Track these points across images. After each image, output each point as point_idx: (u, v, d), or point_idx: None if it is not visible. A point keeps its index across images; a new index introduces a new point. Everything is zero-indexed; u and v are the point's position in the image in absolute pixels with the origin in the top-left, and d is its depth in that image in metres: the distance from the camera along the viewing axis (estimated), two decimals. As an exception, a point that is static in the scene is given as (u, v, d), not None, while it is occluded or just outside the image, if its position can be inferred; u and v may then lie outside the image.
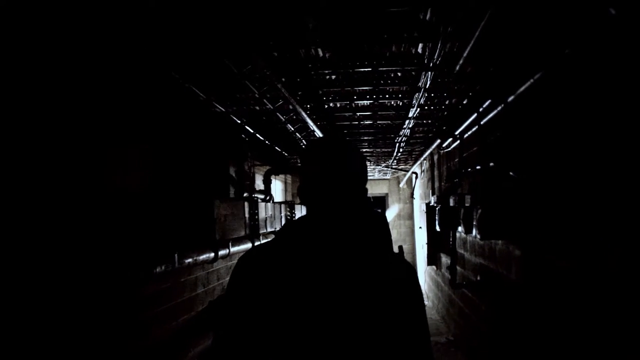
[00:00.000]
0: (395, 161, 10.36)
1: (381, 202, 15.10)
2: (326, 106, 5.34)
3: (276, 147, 7.20)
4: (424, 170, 10.26)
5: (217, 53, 3.45)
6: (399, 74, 4.36)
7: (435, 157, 8.14)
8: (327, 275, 1.19)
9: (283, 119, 5.64)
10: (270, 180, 7.54)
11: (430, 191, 8.79)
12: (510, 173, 3.71)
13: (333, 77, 4.42)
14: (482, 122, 4.43)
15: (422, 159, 9.02)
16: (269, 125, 6.14)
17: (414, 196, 12.43)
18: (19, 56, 2.76)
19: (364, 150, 9.06)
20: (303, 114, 4.85)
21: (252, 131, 5.92)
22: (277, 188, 9.86)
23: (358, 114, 5.86)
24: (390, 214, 14.93)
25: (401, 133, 6.87)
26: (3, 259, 2.65)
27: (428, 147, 7.62)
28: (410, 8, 2.93)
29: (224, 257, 5.18)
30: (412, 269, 1.31)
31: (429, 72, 3.86)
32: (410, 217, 14.59)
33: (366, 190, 1.38)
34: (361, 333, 1.16)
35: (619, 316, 2.28)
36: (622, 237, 2.24)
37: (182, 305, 5.15)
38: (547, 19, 2.76)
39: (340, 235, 1.24)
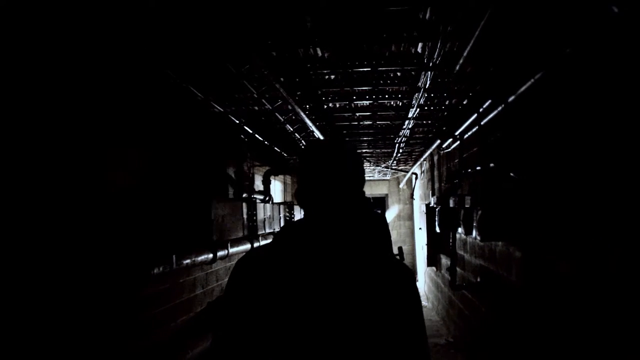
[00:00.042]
0: (395, 162, 10.33)
1: (381, 203, 15.08)
2: (325, 106, 5.31)
3: (275, 148, 7.18)
4: (423, 171, 10.23)
5: (215, 52, 3.42)
6: (399, 73, 4.34)
7: (435, 158, 8.12)
8: (325, 278, 1.20)
9: (282, 119, 5.61)
10: (270, 180, 7.51)
11: (430, 192, 8.77)
12: (511, 174, 3.68)
13: (332, 77, 4.39)
14: (482, 123, 4.40)
15: (422, 159, 8.99)
16: (268, 126, 6.12)
17: (414, 197, 12.41)
18: (19, 56, 2.74)
19: (364, 150, 9.04)
20: (302, 114, 4.82)
21: (251, 131, 5.90)
22: (277, 189, 9.84)
23: (357, 114, 5.83)
24: (390, 214, 14.90)
25: (401, 133, 6.85)
26: (4, 259, 2.63)
27: (428, 148, 7.59)
28: (409, 7, 2.90)
29: (222, 258, 5.15)
30: (408, 271, 1.31)
31: (429, 72, 3.83)
32: (410, 218, 14.56)
33: (364, 192, 1.38)
34: (358, 335, 1.16)
35: (619, 316, 2.25)
36: (621, 237, 2.22)
37: (180, 306, 5.13)
38: (547, 18, 2.73)
39: (338, 238, 1.25)
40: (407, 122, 5.92)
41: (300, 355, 1.16)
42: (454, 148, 6.12)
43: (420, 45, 3.56)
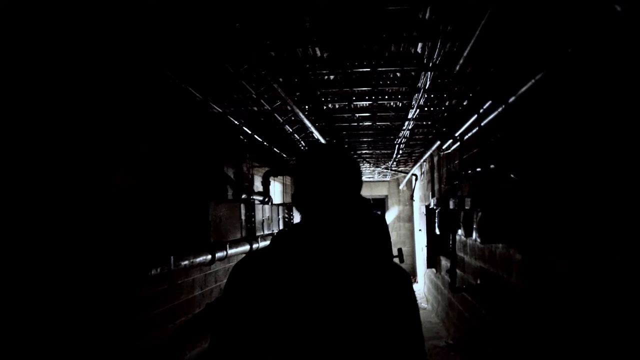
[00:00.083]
0: (394, 163, 10.31)
1: (381, 204, 15.05)
2: (325, 107, 5.29)
3: (275, 149, 7.15)
4: (423, 172, 10.20)
5: (213, 52, 3.39)
6: (398, 74, 4.31)
7: (435, 159, 8.09)
8: (322, 281, 1.21)
9: (281, 120, 5.58)
10: (269, 182, 7.48)
11: (430, 193, 8.74)
12: (511, 175, 3.65)
13: (331, 77, 4.36)
14: (482, 124, 4.38)
15: (421, 160, 8.97)
16: (268, 126, 6.09)
17: (414, 198, 12.38)
18: (20, 57, 2.72)
19: (364, 152, 9.01)
20: (301, 115, 4.79)
21: (250, 132, 5.87)
22: (276, 190, 9.81)
23: (357, 115, 5.81)
24: (390, 216, 14.87)
25: (401, 134, 6.82)
26: (5, 260, 2.62)
27: (428, 149, 7.57)
28: (409, 7, 2.88)
29: (221, 259, 5.13)
30: (405, 274, 1.32)
31: (429, 73, 3.80)
32: (410, 219, 14.52)
33: (361, 196, 1.38)
34: (354, 337, 1.18)
35: (620, 316, 2.23)
36: (622, 237, 2.20)
37: (179, 307, 5.11)
38: (548, 18, 2.70)
39: (335, 242, 1.26)
40: (407, 123, 5.89)
41: (298, 356, 1.17)
42: (454, 149, 6.10)
43: (420, 45, 3.53)
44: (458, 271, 5.86)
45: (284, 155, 7.91)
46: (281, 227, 7.52)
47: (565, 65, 2.68)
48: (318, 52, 3.69)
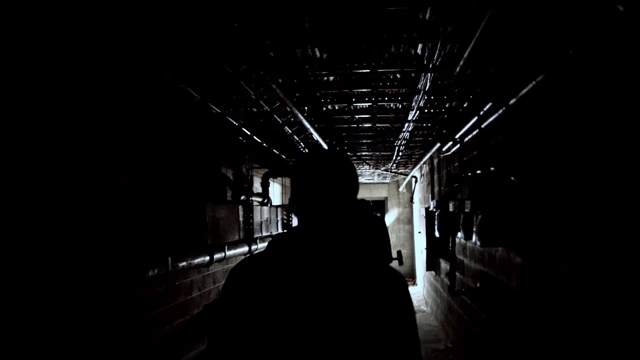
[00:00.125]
0: (394, 165, 10.28)
1: (380, 206, 15.02)
2: (324, 108, 5.26)
3: (274, 150, 7.12)
4: (423, 174, 10.18)
5: (212, 52, 3.37)
6: (398, 75, 4.29)
7: (435, 161, 8.07)
8: (318, 284, 1.22)
9: (280, 121, 5.55)
10: (269, 183, 7.46)
11: (430, 195, 8.72)
12: (512, 178, 3.63)
13: (331, 78, 4.34)
14: (482, 126, 4.36)
15: (421, 162, 8.94)
16: (267, 128, 6.07)
17: (414, 200, 12.35)
18: (21, 58, 2.71)
19: (363, 153, 8.99)
20: (300, 116, 4.77)
21: (249, 133, 5.84)
22: (275, 191, 9.79)
23: (357, 116, 5.79)
24: (390, 218, 14.84)
25: (400, 136, 6.80)
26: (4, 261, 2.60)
27: (428, 151, 7.54)
28: (409, 7, 2.86)
29: (219, 260, 5.11)
30: (401, 278, 1.33)
31: (429, 74, 3.78)
32: (410, 221, 14.50)
33: (356, 200, 1.41)
34: (349, 339, 1.19)
35: (621, 318, 2.20)
36: (622, 238, 2.17)
37: (176, 308, 5.08)
38: (550, 19, 2.68)
39: (331, 245, 1.28)
40: (406, 124, 5.87)
41: (294, 358, 1.19)
42: (454, 151, 6.07)
43: (420, 46, 3.51)
44: (457, 274, 5.83)
45: (284, 157, 7.88)
46: (280, 228, 7.50)
47: (566, 67, 2.66)
48: (317, 53, 3.66)
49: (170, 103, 4.50)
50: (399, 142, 7.27)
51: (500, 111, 3.79)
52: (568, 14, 2.50)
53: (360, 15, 3.03)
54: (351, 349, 1.18)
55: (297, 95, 4.51)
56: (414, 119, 5.39)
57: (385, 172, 11.86)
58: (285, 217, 7.77)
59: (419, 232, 11.21)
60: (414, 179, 11.48)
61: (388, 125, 6.29)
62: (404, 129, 6.22)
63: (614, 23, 1.96)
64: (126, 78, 3.85)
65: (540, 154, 3.22)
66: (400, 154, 8.44)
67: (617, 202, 2.25)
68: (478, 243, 3.94)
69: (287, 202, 10.23)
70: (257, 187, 7.77)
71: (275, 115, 5.27)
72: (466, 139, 5.24)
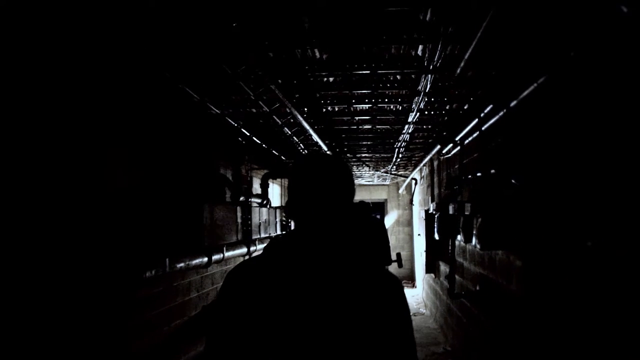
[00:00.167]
0: (394, 167, 10.25)
1: (380, 208, 14.99)
2: (324, 110, 5.24)
3: (273, 151, 7.09)
4: (423, 177, 10.15)
5: (211, 52, 3.35)
6: (398, 77, 4.27)
7: (435, 163, 8.04)
8: (314, 287, 1.24)
9: (280, 122, 5.53)
10: (268, 184, 7.43)
11: (430, 198, 8.69)
12: (512, 180, 3.60)
13: (331, 79, 4.32)
14: (483, 128, 4.33)
15: (421, 164, 8.91)
16: (266, 129, 6.04)
17: (413, 202, 12.32)
18: (22, 58, 2.70)
19: (363, 155, 8.96)
20: (299, 117, 4.74)
21: (248, 134, 5.82)
22: (275, 192, 9.76)
23: (357, 118, 5.76)
24: (389, 220, 14.81)
25: (400, 138, 6.77)
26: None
27: (428, 153, 7.51)
28: (409, 8, 2.84)
29: (218, 261, 5.08)
30: (396, 281, 1.34)
31: (429, 75, 3.75)
32: (409, 223, 14.46)
33: (353, 204, 1.42)
34: (344, 342, 1.20)
35: (622, 322, 2.17)
36: (624, 240, 2.15)
37: (175, 309, 5.05)
38: (551, 20, 2.65)
39: (325, 250, 1.29)
40: (407, 126, 5.84)
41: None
42: (454, 154, 6.05)
43: (420, 47, 3.49)
44: (457, 277, 5.79)
45: (283, 158, 7.85)
46: (278, 230, 7.47)
47: (568, 69, 2.63)
48: (317, 54, 3.64)
49: (170, 104, 4.47)
50: (399, 144, 7.25)
51: (501, 113, 3.76)
52: (570, 15, 2.47)
53: (360, 15, 3.00)
54: (346, 352, 1.19)
55: (296, 96, 4.48)
56: (414, 120, 5.37)
57: (385, 174, 11.83)
58: (284, 218, 7.73)
59: (419, 235, 11.18)
60: (413, 181, 11.45)
61: (388, 127, 6.26)
62: (404, 131, 6.19)
63: (617, 24, 1.93)
64: (126, 79, 3.83)
65: (542, 157, 3.19)
66: (400, 155, 8.41)
67: (618, 205, 2.22)
68: (478, 246, 3.91)
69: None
70: (256, 188, 7.74)
71: (274, 116, 5.25)
72: (466, 141, 5.21)
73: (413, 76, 4.11)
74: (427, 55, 3.45)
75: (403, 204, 14.64)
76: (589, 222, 2.52)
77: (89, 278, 3.38)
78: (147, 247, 4.00)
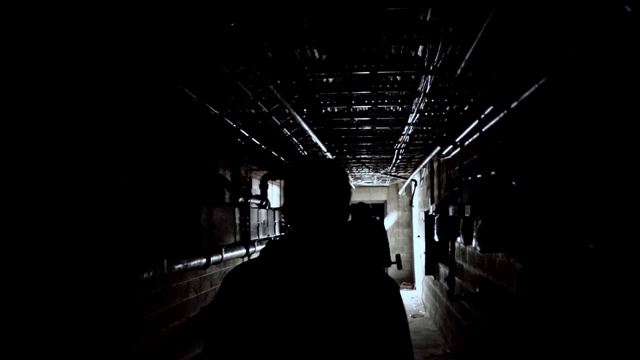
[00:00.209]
0: (394, 168, 10.23)
1: (380, 209, 14.97)
2: (323, 110, 5.21)
3: (273, 152, 7.07)
4: (423, 178, 10.13)
5: (209, 52, 3.32)
6: (398, 77, 4.25)
7: (435, 165, 8.02)
8: (309, 290, 1.25)
9: (279, 123, 5.50)
10: (267, 185, 7.40)
11: (430, 199, 8.67)
12: (513, 182, 3.58)
13: (330, 80, 4.30)
14: (483, 129, 4.31)
15: (421, 166, 8.89)
16: (265, 129, 6.02)
17: (413, 204, 12.30)
18: (22, 59, 2.69)
19: (363, 156, 8.94)
20: (299, 118, 4.72)
21: (247, 135, 5.79)
22: (274, 193, 9.73)
23: (356, 119, 5.74)
24: (389, 221, 14.78)
25: (400, 139, 6.75)
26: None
27: (428, 154, 7.49)
28: (409, 8, 2.82)
29: (216, 262, 5.06)
30: (393, 284, 1.35)
31: (429, 76, 3.73)
32: (409, 225, 14.44)
33: (349, 206, 1.43)
34: (340, 344, 1.21)
35: (624, 325, 2.15)
36: (626, 241, 2.12)
37: (173, 311, 5.03)
38: (553, 21, 2.63)
39: (321, 253, 1.31)
40: (406, 127, 5.81)
41: None
42: (454, 155, 6.03)
43: (420, 48, 3.47)
44: (457, 279, 5.77)
45: (282, 159, 7.83)
46: (277, 231, 7.44)
47: (570, 70, 2.61)
48: (317, 54, 3.62)
49: (168, 104, 4.45)
50: (399, 145, 7.22)
51: (502, 114, 3.74)
52: (572, 15, 2.45)
53: (360, 15, 2.98)
54: (342, 355, 1.21)
55: (295, 96, 4.46)
56: (414, 122, 5.34)
57: (384, 175, 11.81)
58: (283, 220, 7.71)
59: (418, 236, 11.16)
60: (413, 183, 11.43)
61: (388, 128, 6.24)
62: (403, 132, 6.17)
63: (621, 25, 1.90)
64: (125, 79, 3.81)
65: (542, 159, 3.17)
66: (400, 157, 8.39)
67: (619, 207, 2.20)
68: (478, 248, 3.88)
69: (285, 204, 10.18)
70: (255, 189, 7.72)
71: (273, 117, 5.22)
72: (467, 142, 5.19)
73: (413, 77, 4.08)
74: (427, 55, 3.43)
75: (403, 205, 14.62)
76: (590, 224, 2.50)
77: (87, 279, 3.36)
78: (145, 248, 3.98)
